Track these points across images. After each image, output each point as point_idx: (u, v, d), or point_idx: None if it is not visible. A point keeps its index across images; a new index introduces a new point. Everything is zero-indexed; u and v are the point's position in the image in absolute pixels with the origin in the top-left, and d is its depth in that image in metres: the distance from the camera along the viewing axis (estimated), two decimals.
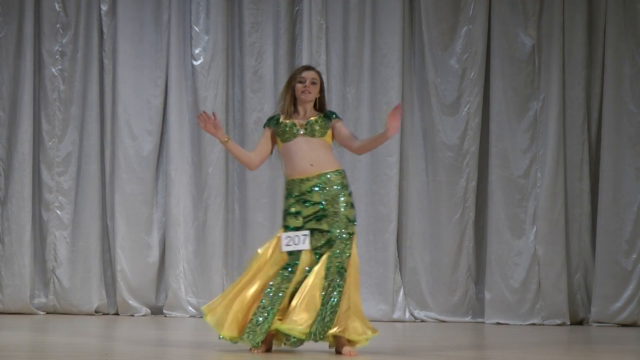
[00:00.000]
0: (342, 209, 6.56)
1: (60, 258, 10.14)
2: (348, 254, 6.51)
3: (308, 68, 6.79)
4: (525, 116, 10.02)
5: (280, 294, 6.48)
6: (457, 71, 10.11)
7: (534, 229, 9.93)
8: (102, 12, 10.24)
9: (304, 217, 6.57)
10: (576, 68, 10.00)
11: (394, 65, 10.09)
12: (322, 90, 6.75)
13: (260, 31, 10.25)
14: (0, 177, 10.17)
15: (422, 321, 10.09)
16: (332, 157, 6.68)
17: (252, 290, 6.57)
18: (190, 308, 10.08)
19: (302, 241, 6.53)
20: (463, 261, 10.06)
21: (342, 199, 6.58)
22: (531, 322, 9.85)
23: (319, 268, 6.47)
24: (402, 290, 10.11)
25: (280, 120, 6.70)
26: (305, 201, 6.58)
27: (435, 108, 10.11)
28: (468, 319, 10.07)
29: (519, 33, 10.04)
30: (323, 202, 6.57)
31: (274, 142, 6.78)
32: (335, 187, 6.58)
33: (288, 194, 6.64)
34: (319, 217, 6.58)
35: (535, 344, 7.83)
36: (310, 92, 6.66)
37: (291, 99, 6.72)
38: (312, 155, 6.61)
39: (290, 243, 6.54)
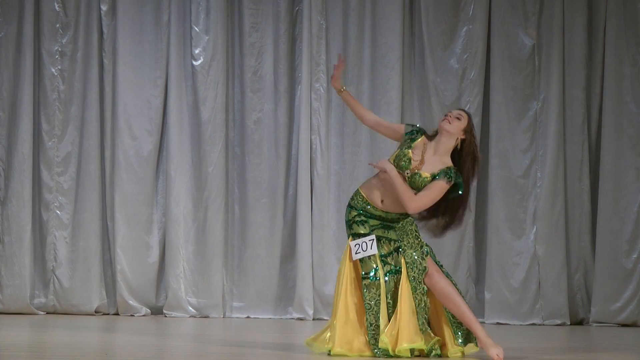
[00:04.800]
0: (413, 232, 6.61)
1: (60, 258, 10.14)
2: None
3: (460, 109, 6.64)
4: (525, 116, 10.02)
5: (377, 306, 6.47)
6: (457, 71, 10.11)
7: (534, 229, 9.93)
8: (102, 12, 10.24)
9: (371, 226, 6.55)
10: (576, 68, 10.00)
11: (394, 65, 10.09)
12: (467, 132, 6.50)
13: (260, 31, 10.25)
14: (0, 177, 10.17)
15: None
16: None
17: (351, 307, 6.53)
18: (190, 308, 10.08)
19: (369, 246, 6.48)
20: (463, 261, 10.06)
21: (411, 232, 6.63)
22: (531, 322, 9.85)
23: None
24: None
25: (414, 143, 6.53)
26: (370, 215, 6.58)
27: (435, 108, 10.11)
28: None
29: (519, 33, 10.04)
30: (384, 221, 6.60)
31: (390, 136, 6.66)
32: (399, 224, 6.61)
33: (352, 205, 6.60)
34: (385, 226, 6.57)
35: (535, 344, 7.82)
36: (449, 122, 6.47)
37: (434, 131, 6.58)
38: (390, 195, 6.50)
39: (359, 250, 6.48)
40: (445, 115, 6.55)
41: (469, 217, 10.06)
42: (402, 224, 6.59)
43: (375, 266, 6.47)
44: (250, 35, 10.25)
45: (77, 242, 10.16)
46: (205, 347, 7.08)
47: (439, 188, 6.45)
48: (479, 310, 10.03)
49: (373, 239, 6.49)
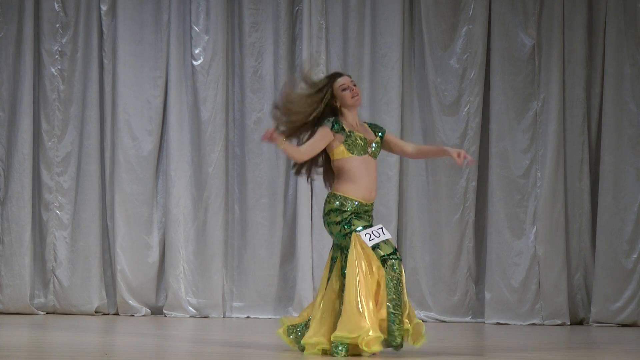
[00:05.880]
0: None
1: (60, 258, 10.14)
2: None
3: (339, 74, 6.71)
4: (525, 116, 10.02)
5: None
6: (457, 71, 10.11)
7: (534, 229, 9.93)
8: (102, 12, 10.24)
9: (367, 221, 6.60)
10: (576, 68, 10.00)
11: (394, 65, 10.09)
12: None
13: (260, 31, 10.25)
14: (0, 177, 10.17)
15: (423, 321, 10.04)
16: None
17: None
18: (190, 308, 10.08)
19: (382, 232, 6.50)
20: (463, 261, 10.06)
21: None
22: (531, 322, 9.85)
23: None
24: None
25: (347, 129, 6.61)
26: (363, 212, 6.62)
27: (435, 108, 10.11)
28: (468, 319, 10.07)
29: (519, 33, 10.04)
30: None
31: (326, 143, 6.60)
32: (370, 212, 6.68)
33: (339, 209, 6.56)
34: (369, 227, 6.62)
35: (535, 344, 7.82)
36: (358, 94, 6.62)
37: (326, 108, 6.62)
38: (373, 182, 6.61)
39: (373, 237, 6.49)
40: (347, 90, 6.58)
41: (470, 217, 10.06)
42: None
43: (394, 247, 6.48)
44: (250, 35, 10.25)
45: (77, 242, 10.16)
46: (205, 347, 7.08)
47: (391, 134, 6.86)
48: (479, 310, 10.04)
49: (381, 227, 6.53)
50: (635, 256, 9.74)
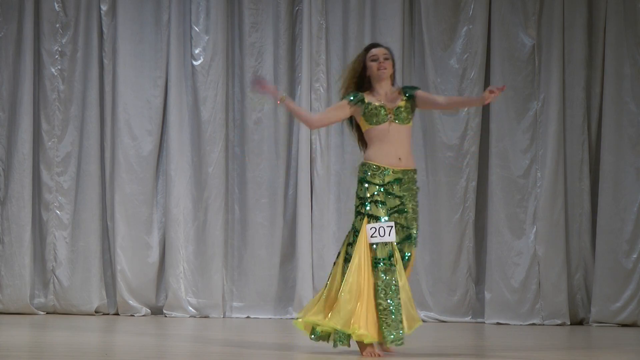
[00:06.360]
0: (417, 209, 6.60)
1: (60, 258, 10.14)
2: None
3: (375, 45, 6.76)
4: (525, 116, 10.02)
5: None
6: (457, 71, 10.11)
7: (534, 229, 9.92)
8: (102, 12, 10.24)
9: (389, 209, 6.53)
10: (576, 68, 9.99)
11: None
12: (394, 65, 6.74)
13: (260, 31, 10.25)
14: (0, 177, 10.17)
15: (422, 321, 10.05)
16: (411, 149, 6.66)
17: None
18: (190, 308, 10.08)
19: (387, 232, 6.43)
20: (463, 261, 10.05)
21: (417, 199, 6.62)
22: (531, 322, 9.84)
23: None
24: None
25: (366, 100, 6.64)
26: (388, 193, 6.54)
27: None
28: (468, 319, 10.06)
29: (519, 33, 10.04)
30: (403, 197, 6.56)
31: (345, 116, 6.69)
32: (414, 186, 6.62)
33: (369, 180, 6.53)
34: (399, 210, 6.57)
35: (535, 344, 7.82)
36: (385, 68, 6.63)
37: (361, 79, 6.68)
38: (401, 148, 6.58)
39: (376, 235, 6.44)
40: (375, 61, 6.64)
41: (470, 217, 10.06)
42: (413, 188, 6.60)
43: (390, 252, 6.43)
44: (250, 35, 10.25)
45: (77, 242, 10.16)
46: (205, 347, 7.08)
47: (421, 91, 6.75)
48: (479, 310, 10.04)
49: (392, 226, 6.46)
50: (635, 256, 9.74)
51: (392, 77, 6.74)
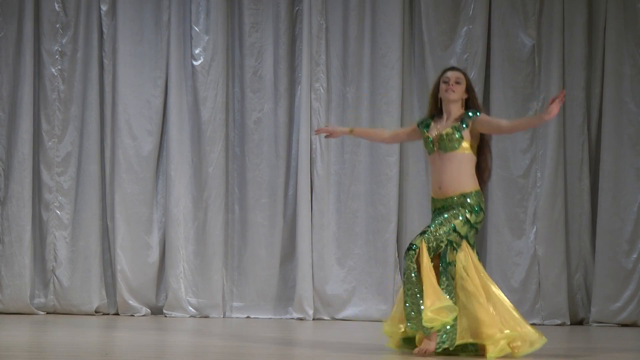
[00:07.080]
0: (455, 221, 6.64)
1: (60, 258, 10.14)
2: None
3: (453, 69, 6.86)
4: (525, 116, 10.01)
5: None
6: None
7: (534, 229, 9.93)
8: (102, 12, 10.24)
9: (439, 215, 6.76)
10: (576, 68, 9.99)
11: (394, 65, 10.09)
12: (470, 91, 6.78)
13: (260, 31, 10.25)
14: (0, 177, 10.17)
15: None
16: (463, 174, 6.66)
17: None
18: (190, 308, 10.08)
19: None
20: None
21: (462, 218, 6.64)
22: (531, 322, 9.80)
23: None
24: (402, 290, 10.08)
25: (431, 126, 6.78)
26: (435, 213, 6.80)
27: None
28: None
29: (518, 33, 10.04)
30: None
31: (414, 138, 6.98)
32: (460, 207, 6.65)
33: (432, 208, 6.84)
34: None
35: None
36: (453, 91, 6.70)
37: (436, 101, 6.81)
38: (443, 176, 6.67)
39: None
40: (445, 83, 6.74)
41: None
42: (455, 207, 6.69)
43: (415, 241, 6.63)
44: (250, 35, 10.25)
45: (77, 242, 10.16)
46: (205, 347, 7.08)
47: (485, 116, 6.76)
48: None
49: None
50: (635, 256, 9.74)
51: (465, 102, 6.76)
